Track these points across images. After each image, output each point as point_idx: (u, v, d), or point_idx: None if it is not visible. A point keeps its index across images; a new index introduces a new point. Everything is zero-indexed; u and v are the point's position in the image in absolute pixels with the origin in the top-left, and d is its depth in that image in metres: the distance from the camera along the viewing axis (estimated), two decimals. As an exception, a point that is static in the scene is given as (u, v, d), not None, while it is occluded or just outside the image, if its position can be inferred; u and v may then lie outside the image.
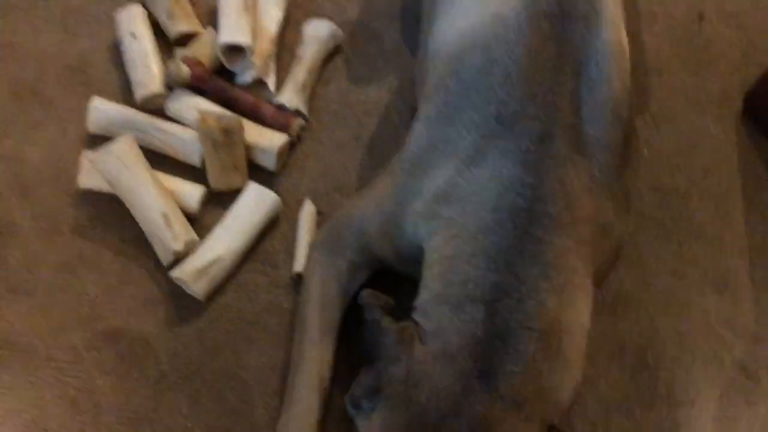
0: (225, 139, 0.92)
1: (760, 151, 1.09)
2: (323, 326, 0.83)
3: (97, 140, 0.95)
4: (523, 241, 0.68)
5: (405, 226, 0.78)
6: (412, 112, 1.03)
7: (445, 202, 0.73)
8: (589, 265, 0.72)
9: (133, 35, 1.00)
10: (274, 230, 0.94)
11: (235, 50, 0.99)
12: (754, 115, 1.14)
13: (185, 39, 1.03)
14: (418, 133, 0.80)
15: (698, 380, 0.91)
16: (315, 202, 0.96)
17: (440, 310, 0.68)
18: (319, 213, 0.96)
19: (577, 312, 0.70)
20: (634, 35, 1.17)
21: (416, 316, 0.71)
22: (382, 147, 1.01)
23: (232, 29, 0.97)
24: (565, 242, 0.69)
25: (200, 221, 0.93)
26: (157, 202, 0.88)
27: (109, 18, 1.05)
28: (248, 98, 0.99)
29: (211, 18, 1.07)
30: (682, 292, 0.97)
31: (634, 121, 1.01)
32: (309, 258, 0.87)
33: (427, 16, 0.95)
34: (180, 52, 0.98)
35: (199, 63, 0.98)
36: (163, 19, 1.03)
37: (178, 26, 1.02)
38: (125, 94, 1.00)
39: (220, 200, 0.95)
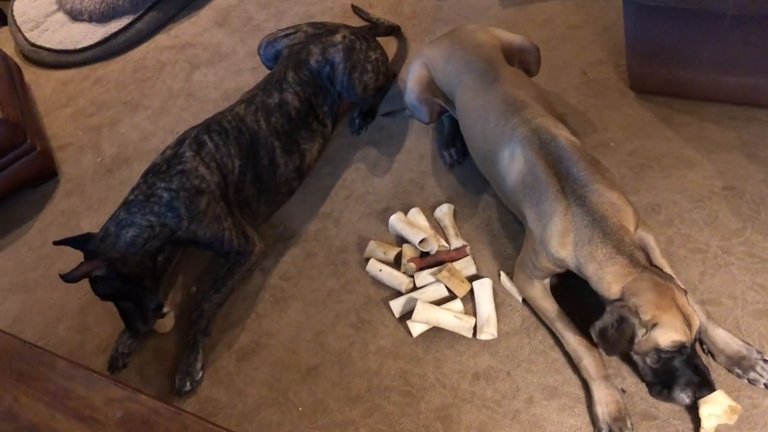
0: (450, 274, 1.95)
1: (649, 109, 2.12)
2: (554, 307, 1.77)
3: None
4: (594, 218, 1.62)
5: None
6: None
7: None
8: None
9: (380, 270, 2.06)
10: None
11: (422, 242, 2.05)
12: (638, 86, 2.16)
13: (396, 258, 2.09)
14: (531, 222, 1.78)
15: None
16: (501, 269, 1.97)
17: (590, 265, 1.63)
18: (507, 274, 1.95)
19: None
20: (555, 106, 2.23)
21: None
22: (507, 231, 2.04)
23: (416, 235, 2.04)
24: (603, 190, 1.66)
25: (467, 312, 1.93)
26: (449, 314, 1.89)
27: (361, 268, 2.12)
28: (443, 256, 2.03)
29: (396, 241, 2.14)
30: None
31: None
32: (520, 286, 1.85)
33: (494, 183, 1.97)
34: (404, 261, 2.04)
35: (414, 258, 2.04)
36: (382, 256, 2.10)
37: (391, 255, 2.09)
38: (392, 296, 2.03)
39: (467, 299, 1.95)
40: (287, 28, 2.54)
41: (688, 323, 1.49)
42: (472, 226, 2.10)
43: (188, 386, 2.02)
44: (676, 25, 1.92)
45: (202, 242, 2.16)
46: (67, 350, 2.23)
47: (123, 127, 2.95)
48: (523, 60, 2.14)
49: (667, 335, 1.49)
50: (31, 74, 3.40)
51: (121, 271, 2.00)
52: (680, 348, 1.49)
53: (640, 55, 2.08)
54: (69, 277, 1.95)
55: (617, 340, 1.52)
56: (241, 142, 2.21)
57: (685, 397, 1.52)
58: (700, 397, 1.51)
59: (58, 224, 2.67)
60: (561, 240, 1.67)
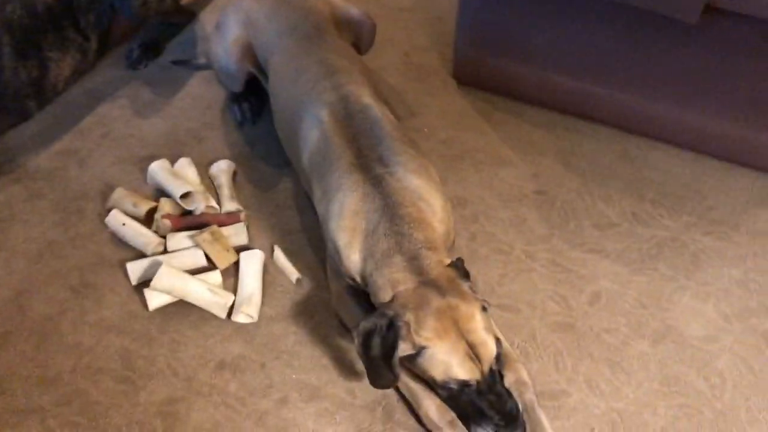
0: (213, 239, 1.54)
1: (469, 102, 1.93)
2: (353, 303, 1.40)
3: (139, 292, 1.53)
4: (386, 203, 1.30)
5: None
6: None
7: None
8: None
9: (124, 224, 1.60)
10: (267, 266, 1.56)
11: (185, 197, 1.63)
12: (461, 77, 1.97)
13: (149, 213, 1.65)
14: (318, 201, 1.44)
15: (515, 207, 1.66)
16: (277, 243, 1.60)
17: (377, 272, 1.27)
18: (284, 250, 1.59)
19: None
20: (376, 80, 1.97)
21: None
22: (296, 203, 1.69)
23: (180, 188, 1.62)
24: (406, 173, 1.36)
25: (227, 288, 1.53)
26: (202, 286, 1.47)
27: (100, 221, 1.64)
28: (209, 218, 1.62)
29: (154, 194, 1.70)
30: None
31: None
32: (331, 288, 1.45)
33: (294, 157, 1.60)
34: (157, 216, 1.60)
35: (171, 216, 1.60)
36: (130, 209, 1.64)
37: (143, 208, 1.64)
38: (134, 258, 1.58)
39: (229, 272, 1.55)
40: None
41: (476, 354, 1.18)
42: (253, 192, 1.72)
43: None
44: (515, 9, 1.74)
45: None
46: None
47: None
48: (356, 35, 1.84)
49: (441, 368, 1.19)
50: None
51: None
52: (462, 385, 1.19)
53: (470, 42, 1.88)
54: None
55: (382, 351, 1.20)
56: None
57: None
58: None
59: None
60: (344, 223, 1.33)
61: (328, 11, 1.76)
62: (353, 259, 1.31)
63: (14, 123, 1.83)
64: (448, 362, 1.17)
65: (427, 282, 1.22)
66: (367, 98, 1.46)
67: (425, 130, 1.87)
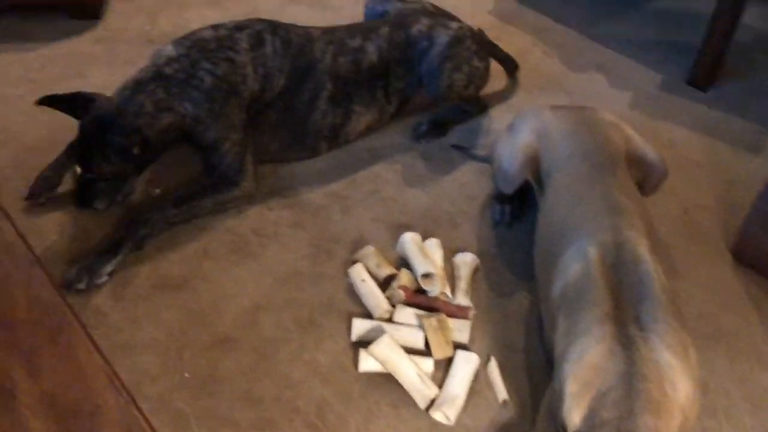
0: (439, 326, 1.55)
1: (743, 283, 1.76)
2: None
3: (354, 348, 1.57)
4: (630, 372, 1.20)
5: None
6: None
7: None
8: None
9: (363, 280, 1.67)
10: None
11: (426, 277, 1.66)
12: (741, 256, 1.80)
13: (388, 278, 1.70)
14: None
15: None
16: (495, 355, 1.56)
17: None
18: (499, 364, 1.55)
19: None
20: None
21: None
22: (525, 321, 1.65)
23: (424, 265, 1.65)
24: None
25: (434, 379, 1.52)
26: (413, 368, 1.48)
27: (343, 269, 1.73)
28: (441, 304, 1.63)
29: (397, 262, 1.75)
30: (736, 369, 1.54)
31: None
32: (537, 427, 1.37)
33: (542, 279, 1.56)
34: (394, 284, 1.65)
35: (407, 288, 1.64)
36: (373, 268, 1.71)
37: (384, 272, 1.70)
38: (361, 316, 1.63)
39: (440, 365, 1.54)
40: (408, -4, 2.24)
41: None
42: (487, 293, 1.71)
43: (83, 284, 1.62)
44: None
45: (201, 143, 1.80)
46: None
47: (190, 13, 2.65)
48: (644, 177, 1.76)
49: None
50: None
51: (144, 158, 1.74)
52: None
53: (764, 224, 1.72)
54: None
55: None
56: (297, 64, 1.87)
57: None
58: None
59: (64, 61, 2.33)
60: (579, 371, 1.24)
61: (625, 146, 1.72)
62: (574, 414, 1.22)
63: (304, 157, 2.02)
64: None
65: None
66: (643, 249, 1.39)
67: (683, 295, 1.73)
